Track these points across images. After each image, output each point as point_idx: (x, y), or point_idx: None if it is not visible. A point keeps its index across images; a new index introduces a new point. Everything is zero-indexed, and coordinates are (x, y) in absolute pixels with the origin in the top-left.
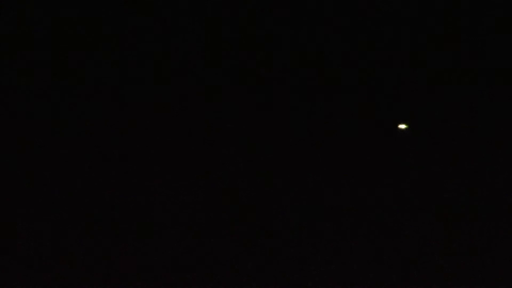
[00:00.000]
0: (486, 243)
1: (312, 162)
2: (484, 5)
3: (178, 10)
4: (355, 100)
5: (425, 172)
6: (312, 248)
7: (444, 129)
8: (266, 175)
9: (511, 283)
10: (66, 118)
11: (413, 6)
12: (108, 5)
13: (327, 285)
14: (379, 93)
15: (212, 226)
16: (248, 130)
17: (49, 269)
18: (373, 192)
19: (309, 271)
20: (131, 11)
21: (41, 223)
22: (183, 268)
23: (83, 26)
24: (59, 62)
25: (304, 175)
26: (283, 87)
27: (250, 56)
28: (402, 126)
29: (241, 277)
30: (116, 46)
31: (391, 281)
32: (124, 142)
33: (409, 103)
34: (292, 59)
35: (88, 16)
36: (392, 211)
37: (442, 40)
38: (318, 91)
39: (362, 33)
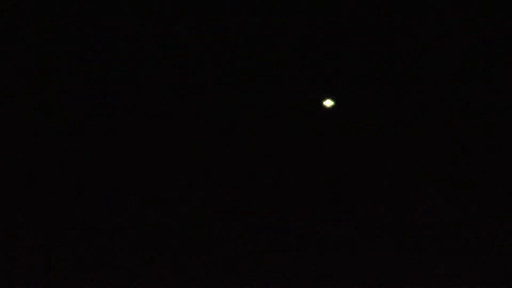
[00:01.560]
0: (486, 243)
1: (312, 161)
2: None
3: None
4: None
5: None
6: (312, 248)
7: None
8: (266, 174)
9: (511, 283)
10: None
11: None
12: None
13: (327, 285)
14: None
15: (211, 226)
16: (247, 130)
17: (49, 269)
18: (373, 191)
19: (309, 271)
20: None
21: (40, 223)
22: (183, 268)
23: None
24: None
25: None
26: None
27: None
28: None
29: (241, 277)
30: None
31: (391, 281)
32: (123, 142)
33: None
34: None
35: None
36: (392, 210)
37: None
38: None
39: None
